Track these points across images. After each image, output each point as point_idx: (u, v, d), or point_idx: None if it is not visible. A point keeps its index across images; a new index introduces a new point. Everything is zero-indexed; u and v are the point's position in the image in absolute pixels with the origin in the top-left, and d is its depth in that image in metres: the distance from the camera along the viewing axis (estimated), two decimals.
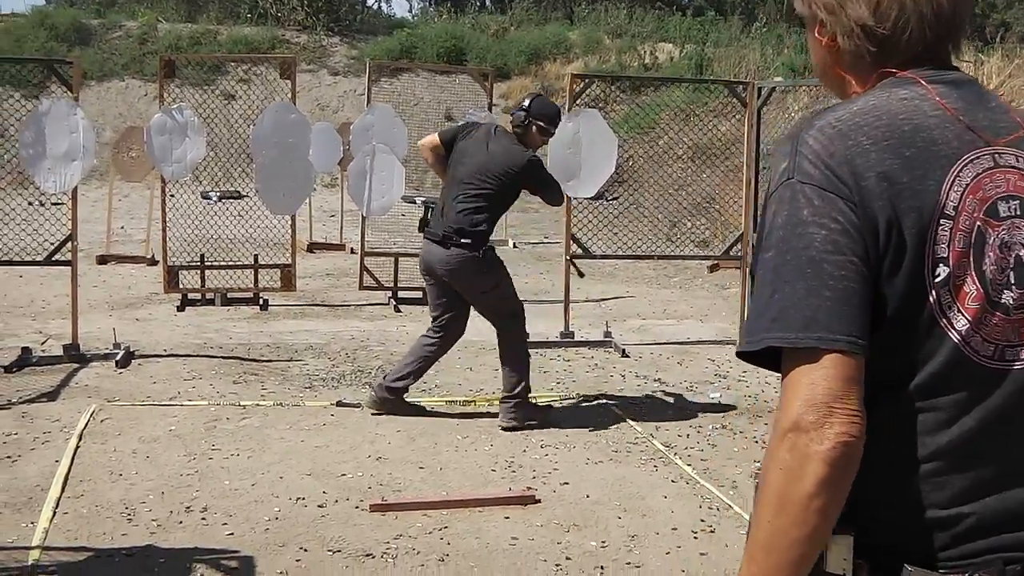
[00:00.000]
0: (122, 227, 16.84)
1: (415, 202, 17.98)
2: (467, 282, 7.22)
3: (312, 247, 15.71)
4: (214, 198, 15.25)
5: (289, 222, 11.13)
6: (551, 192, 7.56)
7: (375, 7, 37.51)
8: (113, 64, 26.92)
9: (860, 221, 1.65)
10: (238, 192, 15.23)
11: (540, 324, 9.69)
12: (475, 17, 33.44)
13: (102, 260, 14.30)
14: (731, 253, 10.82)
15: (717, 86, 14.91)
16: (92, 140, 8.67)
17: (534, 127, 7.36)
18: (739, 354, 1.76)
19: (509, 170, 7.21)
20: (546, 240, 17.68)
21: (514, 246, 16.79)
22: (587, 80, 10.72)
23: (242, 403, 7.59)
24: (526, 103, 7.44)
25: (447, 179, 7.39)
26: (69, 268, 8.72)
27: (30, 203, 10.28)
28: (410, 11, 75.45)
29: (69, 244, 8.72)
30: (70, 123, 8.49)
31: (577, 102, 10.06)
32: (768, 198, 1.76)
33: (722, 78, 19.25)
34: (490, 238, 7.33)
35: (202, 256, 11.48)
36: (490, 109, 11.71)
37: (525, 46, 27.88)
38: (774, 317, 1.65)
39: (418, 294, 11.73)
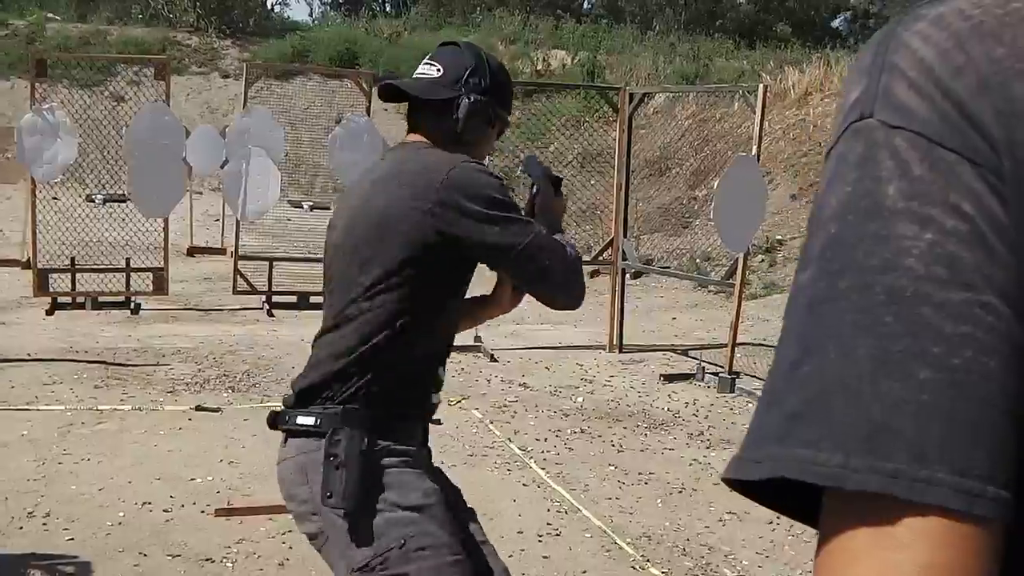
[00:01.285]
0: (0, 230, 16.54)
1: (302, 206, 17.95)
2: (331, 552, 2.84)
3: (192, 251, 15.59)
4: (98, 201, 15.06)
5: (162, 225, 11.01)
6: (542, 273, 2.89)
7: (271, 10, 37.29)
8: None
9: (1013, 221, 0.74)
10: (123, 195, 15.05)
11: None
12: (369, 21, 33.36)
13: None
14: (600, 258, 10.92)
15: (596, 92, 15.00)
16: None
17: (488, 112, 3.01)
18: (726, 481, 0.80)
19: (416, 205, 2.77)
20: None
21: None
22: None
23: (99, 407, 7.51)
24: (474, 63, 3.00)
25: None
26: None
27: None
28: (310, 15, 75.32)
29: None
30: None
31: None
32: (825, 162, 0.88)
33: (602, 84, 19.36)
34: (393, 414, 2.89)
35: (72, 259, 11.33)
36: (368, 114, 11.70)
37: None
38: (796, 412, 0.74)
39: (292, 298, 11.71)
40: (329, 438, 2.73)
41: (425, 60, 3.03)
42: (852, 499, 0.72)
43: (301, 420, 2.81)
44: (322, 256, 3.06)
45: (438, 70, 2.98)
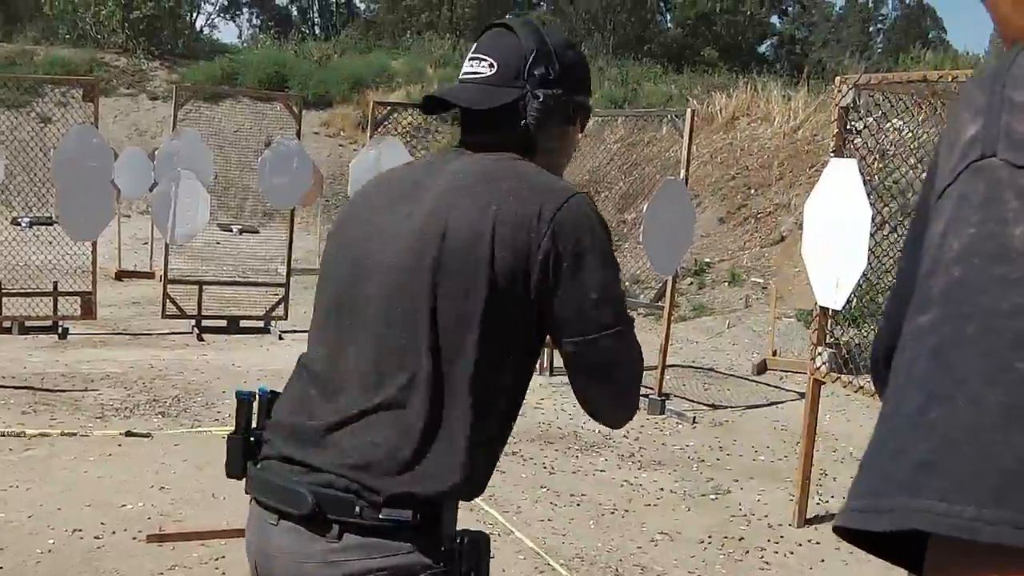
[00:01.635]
0: None
1: (231, 230, 17.88)
2: None
3: (121, 274, 15.46)
4: (24, 224, 14.90)
5: (90, 249, 10.92)
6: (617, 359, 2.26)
7: (199, 31, 37.14)
8: None
9: None
10: (50, 218, 14.91)
11: None
12: (298, 44, 33.32)
13: None
14: None
15: None
16: None
17: (566, 107, 2.34)
18: (841, 529, 0.77)
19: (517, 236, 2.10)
20: None
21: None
22: (390, 107, 10.80)
23: (28, 433, 7.43)
24: (534, 47, 2.30)
25: (321, 321, 2.35)
26: None
27: None
28: (239, 36, 75.06)
29: None
30: None
31: (401, 131, 10.15)
32: (928, 201, 0.85)
33: None
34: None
35: None
36: (298, 136, 11.69)
37: (348, 74, 27.85)
38: (925, 461, 0.71)
39: (222, 322, 11.65)
40: (452, 548, 2.13)
41: (472, 53, 2.36)
42: (981, 551, 0.68)
43: (390, 515, 2.06)
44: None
45: (491, 66, 2.31)
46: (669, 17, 59.31)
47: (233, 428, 2.36)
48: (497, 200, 2.11)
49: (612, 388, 2.26)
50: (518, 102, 2.27)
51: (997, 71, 0.80)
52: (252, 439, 2.30)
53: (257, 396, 2.34)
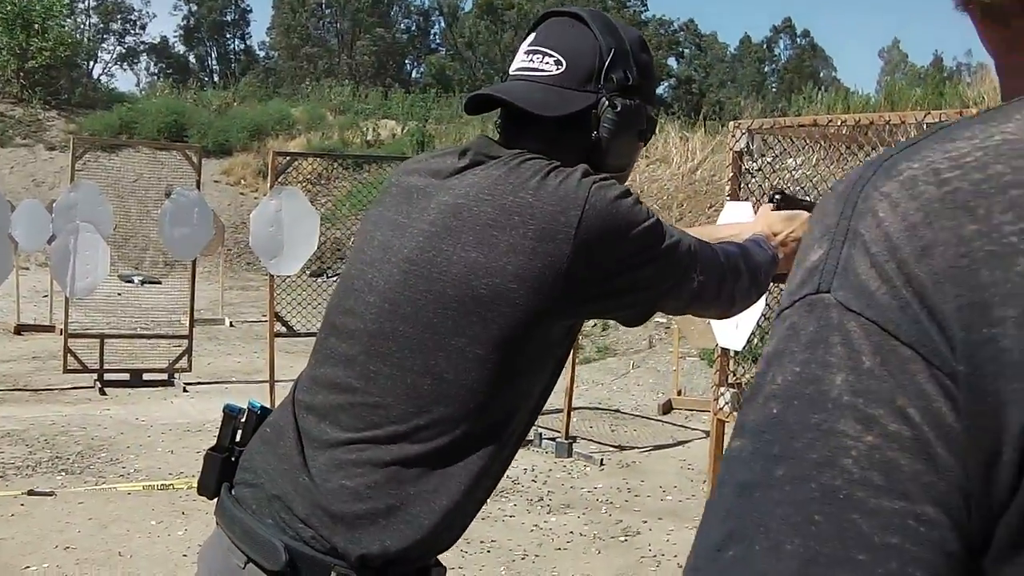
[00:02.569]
0: None
1: (133, 281, 17.68)
2: None
3: (20, 329, 15.19)
4: None
5: None
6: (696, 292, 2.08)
7: (97, 80, 36.79)
8: None
9: (964, 426, 0.70)
10: None
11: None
12: (197, 92, 33.18)
13: None
14: None
15: None
16: None
17: (641, 120, 2.10)
18: None
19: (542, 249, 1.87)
20: (264, 319, 17.57)
21: (231, 324, 16.63)
22: (290, 157, 10.77)
23: None
24: (613, 46, 2.05)
25: (320, 348, 2.16)
26: None
27: None
28: (137, 84, 74.48)
29: None
30: None
31: (302, 180, 10.13)
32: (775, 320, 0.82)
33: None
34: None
35: None
36: (199, 187, 11.63)
37: (248, 122, 27.82)
38: None
39: (125, 376, 11.50)
40: None
41: (531, 45, 2.05)
42: None
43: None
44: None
45: (558, 63, 2.01)
46: None
47: (215, 443, 2.17)
48: (524, 213, 1.95)
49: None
50: (590, 110, 2.01)
51: (851, 189, 0.79)
52: (233, 458, 2.14)
53: (247, 411, 2.18)
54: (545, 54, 2.02)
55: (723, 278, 2.10)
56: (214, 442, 2.17)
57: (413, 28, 73.14)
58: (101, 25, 59.14)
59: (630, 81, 2.03)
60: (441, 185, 2.01)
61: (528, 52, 2.05)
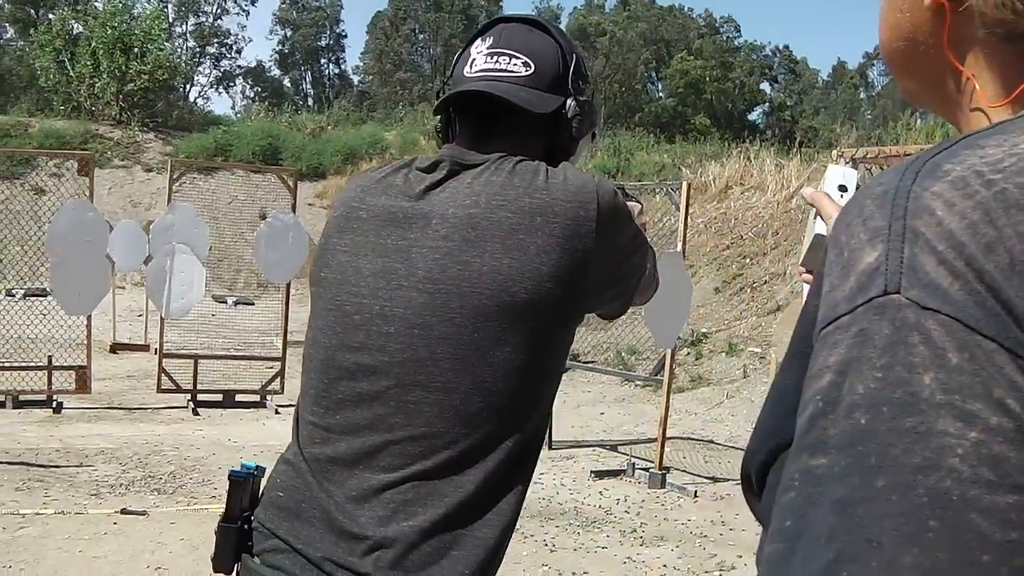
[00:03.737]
0: None
1: (226, 302, 17.85)
2: None
3: (116, 347, 15.40)
4: (18, 295, 14.87)
5: (85, 322, 10.88)
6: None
7: (193, 103, 37.37)
8: None
9: None
10: (44, 290, 14.88)
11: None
12: (292, 116, 33.54)
13: None
14: None
15: None
16: None
17: (593, 115, 2.21)
18: None
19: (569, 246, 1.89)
20: None
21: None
22: None
23: (20, 512, 7.33)
24: (574, 53, 2.17)
25: (308, 367, 2.06)
26: None
27: None
28: (233, 107, 75.61)
29: None
30: None
31: None
32: (815, 330, 0.80)
33: None
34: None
35: None
36: (294, 211, 11.69)
37: (341, 145, 28.05)
38: None
39: (218, 396, 11.56)
40: None
41: (495, 48, 2.07)
42: None
43: None
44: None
45: (526, 65, 2.06)
46: (660, 86, 59.83)
47: (224, 513, 2.05)
48: (538, 213, 1.95)
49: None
50: (559, 111, 2.09)
51: (897, 190, 0.77)
52: (247, 526, 2.03)
53: (249, 474, 2.06)
54: (512, 56, 2.05)
55: (654, 259, 2.22)
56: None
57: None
58: (197, 49, 60.12)
59: (582, 83, 2.13)
60: (432, 200, 1.96)
61: (491, 54, 2.06)
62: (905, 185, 0.77)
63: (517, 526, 4.20)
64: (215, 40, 61.67)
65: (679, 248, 9.23)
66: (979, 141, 0.78)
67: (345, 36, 71.54)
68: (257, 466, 2.07)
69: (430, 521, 1.81)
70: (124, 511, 7.44)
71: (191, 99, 44.93)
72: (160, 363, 11.71)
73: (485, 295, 1.83)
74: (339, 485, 1.89)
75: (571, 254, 1.86)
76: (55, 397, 11.16)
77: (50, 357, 11.18)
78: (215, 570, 2.02)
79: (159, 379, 11.71)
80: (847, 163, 6.40)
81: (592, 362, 15.28)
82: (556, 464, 9.55)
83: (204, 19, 61.01)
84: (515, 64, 2.05)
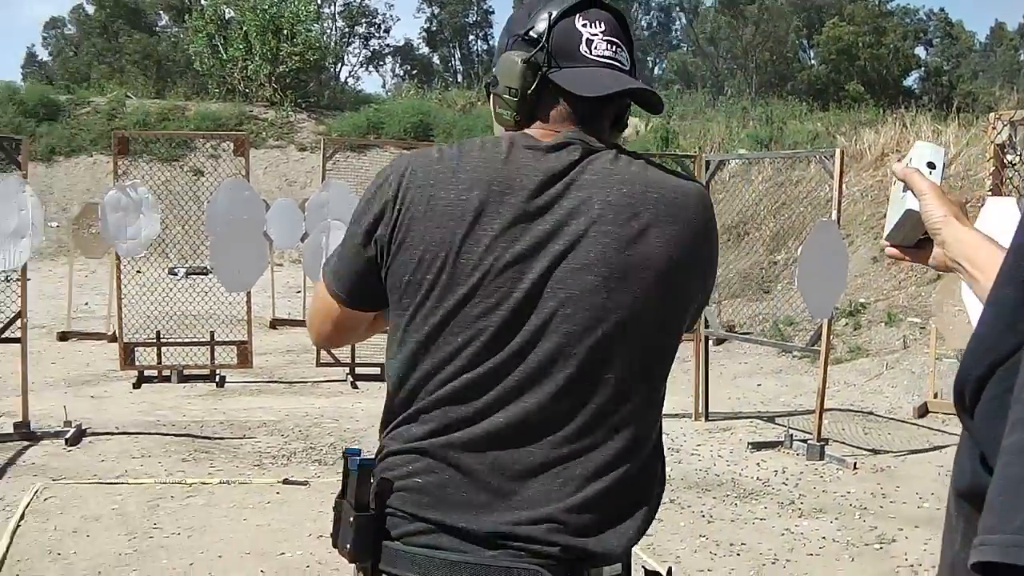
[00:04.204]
0: (86, 303, 16.82)
1: None
2: None
3: (275, 323, 15.70)
4: (180, 274, 15.27)
5: (245, 299, 11.11)
6: None
7: (344, 83, 37.85)
8: (81, 140, 27.00)
9: None
10: (205, 268, 15.24)
11: None
12: (441, 93, 33.73)
13: (63, 336, 14.26)
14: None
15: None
16: (40, 217, 8.64)
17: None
18: (984, 564, 0.72)
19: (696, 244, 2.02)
20: None
21: None
22: None
23: (188, 481, 7.52)
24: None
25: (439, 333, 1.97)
26: (19, 345, 8.67)
27: None
28: (383, 86, 76.39)
29: (19, 321, 8.67)
30: (19, 200, 8.47)
31: None
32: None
33: (677, 152, 19.33)
34: None
35: (158, 333, 11.43)
36: None
37: (491, 120, 28.12)
38: None
39: (376, 370, 11.70)
40: None
41: (608, 36, 2.03)
42: None
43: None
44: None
45: (627, 58, 2.08)
46: (812, 54, 58.73)
47: (354, 502, 2.01)
48: (673, 210, 2.04)
49: None
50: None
51: None
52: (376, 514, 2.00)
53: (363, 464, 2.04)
54: (619, 47, 2.05)
55: None
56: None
57: (654, 24, 72.99)
58: (346, 29, 60.78)
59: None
60: (581, 182, 1.96)
61: (609, 42, 2.04)
62: None
63: (674, 497, 4.20)
64: (363, 20, 62.23)
65: (834, 216, 9.05)
66: None
67: (492, 12, 71.59)
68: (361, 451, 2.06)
69: (597, 491, 1.89)
70: (286, 481, 7.59)
71: (342, 79, 45.52)
72: None
73: (655, 281, 1.92)
74: (502, 461, 1.92)
75: (702, 242, 2.02)
76: (218, 371, 11.43)
77: (212, 333, 11.44)
78: (352, 560, 2.00)
79: (318, 353, 11.91)
80: (1005, 126, 6.19)
81: (748, 333, 15.12)
82: (713, 435, 9.46)
83: None
84: (623, 56, 2.05)
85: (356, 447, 2.10)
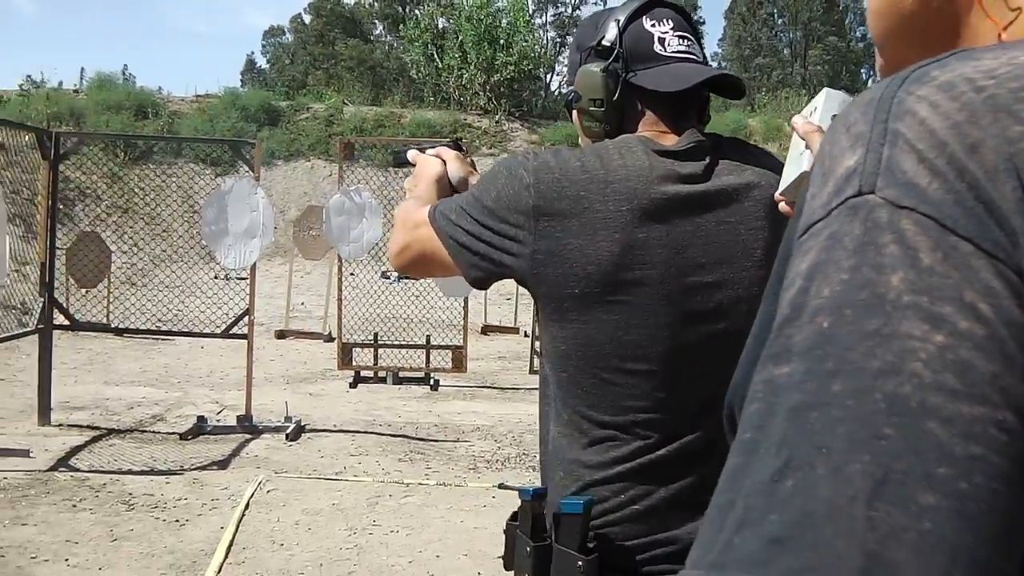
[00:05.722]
0: (302, 303, 17.29)
1: None
2: None
3: (486, 329, 15.85)
4: (392, 278, 15.55)
5: (462, 304, 11.24)
6: None
7: (556, 92, 38.09)
8: (300, 144, 27.74)
9: None
10: None
11: None
12: None
13: (281, 335, 14.68)
14: None
15: None
16: (271, 218, 8.90)
17: None
18: None
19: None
20: None
21: None
22: None
23: (405, 481, 7.64)
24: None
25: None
26: (245, 342, 8.94)
27: (215, 277, 10.65)
28: None
29: (246, 318, 8.94)
30: (251, 202, 8.73)
31: None
32: (793, 236, 0.75)
33: None
34: None
35: (375, 335, 11.66)
36: None
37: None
38: (778, 537, 0.60)
39: None
40: None
41: (679, 31, 2.05)
42: None
43: None
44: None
45: (699, 51, 2.11)
46: None
47: (578, 545, 1.87)
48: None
49: None
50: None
51: (882, 96, 0.72)
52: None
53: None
54: (691, 41, 2.06)
55: None
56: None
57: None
58: (558, 39, 61.16)
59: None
60: (723, 180, 1.98)
61: (680, 37, 2.05)
62: (891, 91, 0.72)
63: None
64: (575, 30, 62.41)
65: None
66: (975, 53, 0.73)
67: (703, 23, 71.17)
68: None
69: None
70: (502, 486, 7.62)
71: (553, 88, 45.71)
72: (532, 345, 11.98)
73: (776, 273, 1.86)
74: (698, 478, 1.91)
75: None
76: (432, 375, 11.59)
77: (428, 337, 11.61)
78: None
79: (531, 361, 11.99)
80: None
81: None
82: None
83: (563, 9, 61.91)
84: (696, 49, 2.06)
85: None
